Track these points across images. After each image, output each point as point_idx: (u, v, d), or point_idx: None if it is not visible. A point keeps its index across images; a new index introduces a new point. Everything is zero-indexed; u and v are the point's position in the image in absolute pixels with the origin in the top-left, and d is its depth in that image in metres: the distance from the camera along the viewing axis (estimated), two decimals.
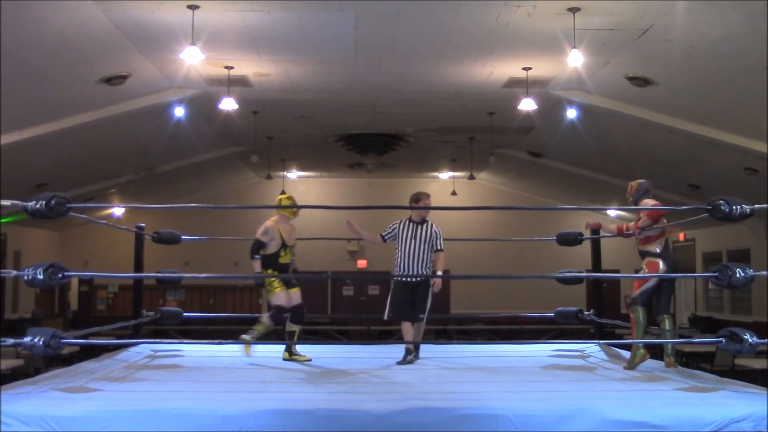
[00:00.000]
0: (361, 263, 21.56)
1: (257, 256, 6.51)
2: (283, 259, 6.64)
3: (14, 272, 4.83)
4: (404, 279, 6.65)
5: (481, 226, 20.13)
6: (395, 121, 13.93)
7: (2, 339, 4.64)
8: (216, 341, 6.56)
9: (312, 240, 17.88)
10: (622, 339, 9.00)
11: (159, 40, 9.12)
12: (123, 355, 6.55)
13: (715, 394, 4.74)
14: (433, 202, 7.10)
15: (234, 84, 10.83)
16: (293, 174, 20.27)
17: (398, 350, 6.60)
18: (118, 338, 10.06)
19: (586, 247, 7.76)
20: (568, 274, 7.25)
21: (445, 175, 20.03)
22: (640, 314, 5.96)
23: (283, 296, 6.53)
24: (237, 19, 8.56)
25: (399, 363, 6.33)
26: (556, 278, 7.35)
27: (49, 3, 7.73)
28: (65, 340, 4.69)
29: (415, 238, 6.66)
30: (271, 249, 6.55)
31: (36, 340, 4.50)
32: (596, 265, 7.54)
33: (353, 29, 8.97)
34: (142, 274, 7.75)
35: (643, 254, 6.10)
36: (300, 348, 6.61)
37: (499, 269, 19.74)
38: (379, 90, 11.78)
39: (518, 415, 4.17)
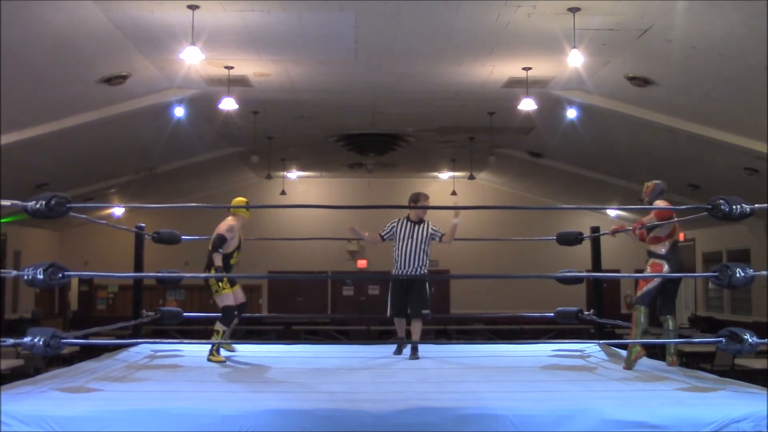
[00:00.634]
0: (361, 263, 21.57)
1: (221, 250, 6.42)
2: (233, 260, 6.68)
3: (14, 272, 4.83)
4: (400, 277, 6.85)
5: (481, 226, 20.11)
6: (395, 121, 13.94)
7: (2, 339, 4.64)
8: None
9: (312, 240, 18.02)
10: (622, 339, 9.00)
11: (159, 40, 9.12)
12: (123, 355, 6.55)
13: (715, 394, 4.74)
14: (433, 202, 7.27)
15: (234, 84, 10.83)
16: (293, 174, 20.27)
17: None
18: (118, 338, 10.06)
19: (586, 247, 7.76)
20: (568, 274, 7.26)
21: (445, 175, 20.03)
22: (641, 315, 5.97)
23: (231, 297, 6.55)
24: (237, 19, 8.56)
25: (395, 353, 6.74)
26: (556, 278, 7.35)
27: (49, 3, 7.73)
28: (65, 340, 4.69)
29: (412, 237, 6.82)
30: (228, 249, 6.53)
31: (36, 340, 4.50)
32: (596, 265, 7.53)
33: (353, 29, 8.97)
34: (142, 274, 7.75)
35: (649, 254, 6.13)
36: (300, 348, 6.61)
37: (499, 269, 19.74)
38: (379, 90, 11.78)
39: (518, 415, 4.17)
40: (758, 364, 9.95)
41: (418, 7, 8.28)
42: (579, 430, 4.14)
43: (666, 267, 5.96)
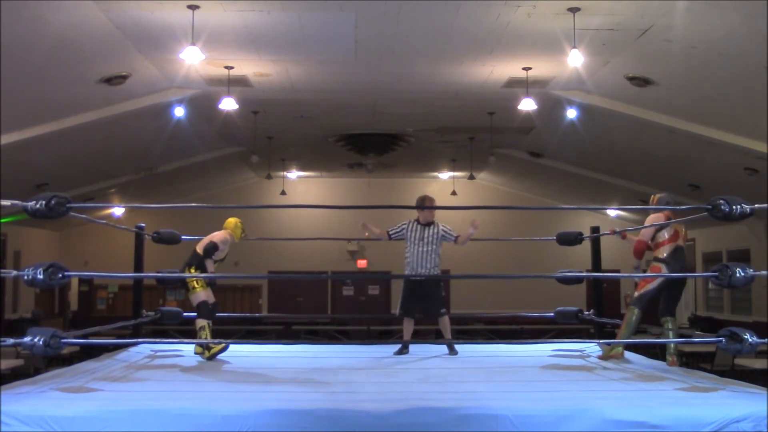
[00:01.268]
0: (361, 263, 21.57)
1: (214, 257, 6.65)
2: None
3: (14, 272, 4.82)
4: (413, 278, 7.01)
5: (481, 226, 19.90)
6: (395, 121, 13.94)
7: (2, 339, 4.63)
8: (216, 341, 6.55)
9: (312, 240, 18.00)
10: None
11: (159, 40, 9.12)
12: (123, 355, 6.55)
13: (715, 394, 4.73)
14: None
15: (234, 84, 10.83)
16: (293, 174, 20.27)
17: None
18: (118, 338, 10.05)
19: (586, 247, 7.76)
20: (568, 274, 7.27)
21: (445, 175, 20.03)
22: (632, 316, 6.02)
23: (204, 294, 6.62)
24: (237, 19, 8.56)
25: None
26: (556, 278, 7.35)
27: (49, 3, 7.73)
28: (65, 340, 4.68)
29: (423, 239, 6.96)
30: (215, 258, 6.69)
31: (36, 340, 4.49)
32: (596, 265, 7.53)
33: (353, 29, 8.97)
34: (142, 274, 7.75)
35: (652, 258, 6.20)
36: (300, 348, 6.62)
37: (499, 269, 19.73)
38: (379, 90, 11.78)
39: (518, 415, 4.16)
40: (758, 364, 9.95)
41: (418, 7, 8.28)
42: (579, 430, 4.14)
43: (665, 270, 5.99)
